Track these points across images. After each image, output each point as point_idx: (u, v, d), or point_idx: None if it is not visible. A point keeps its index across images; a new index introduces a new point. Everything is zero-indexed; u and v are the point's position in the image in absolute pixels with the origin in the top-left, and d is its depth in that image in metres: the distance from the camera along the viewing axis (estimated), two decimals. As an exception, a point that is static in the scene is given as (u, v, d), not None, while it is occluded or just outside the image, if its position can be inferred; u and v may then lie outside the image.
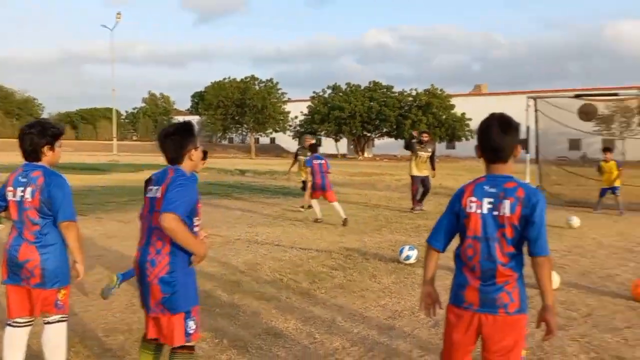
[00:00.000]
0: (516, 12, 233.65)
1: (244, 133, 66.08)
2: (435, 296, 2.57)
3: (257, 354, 3.91)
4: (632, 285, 5.45)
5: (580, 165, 36.88)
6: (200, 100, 66.70)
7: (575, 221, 9.90)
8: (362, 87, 54.03)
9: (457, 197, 2.49)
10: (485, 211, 2.37)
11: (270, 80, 58.51)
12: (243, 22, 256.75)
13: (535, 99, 14.11)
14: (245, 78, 57.59)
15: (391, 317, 4.80)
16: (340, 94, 53.56)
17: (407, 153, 12.53)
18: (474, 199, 2.40)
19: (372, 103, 51.27)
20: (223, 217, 10.64)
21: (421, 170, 11.97)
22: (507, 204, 2.32)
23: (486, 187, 2.40)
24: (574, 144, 46.08)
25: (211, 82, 60.47)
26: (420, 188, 11.97)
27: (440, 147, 57.16)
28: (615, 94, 16.00)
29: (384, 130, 52.96)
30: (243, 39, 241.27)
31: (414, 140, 12.21)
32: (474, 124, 48.47)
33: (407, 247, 6.83)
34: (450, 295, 2.53)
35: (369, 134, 54.60)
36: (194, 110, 75.67)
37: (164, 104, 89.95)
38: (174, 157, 2.90)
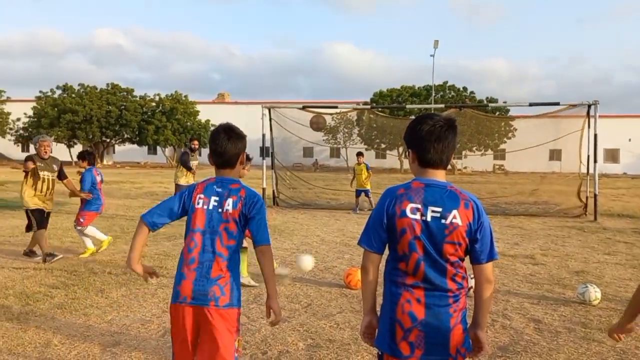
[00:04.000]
0: (248, 28, 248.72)
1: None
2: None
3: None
4: (345, 275, 6.19)
5: (312, 170, 41.35)
6: None
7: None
8: (99, 89, 49.94)
9: (189, 192, 2.67)
10: (211, 207, 2.59)
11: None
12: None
13: (269, 108, 15.07)
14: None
15: (118, 332, 4.47)
16: (73, 95, 48.47)
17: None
18: (202, 196, 2.62)
19: (110, 107, 47.78)
20: None
21: (189, 179, 11.60)
22: (230, 202, 2.58)
23: (215, 187, 2.64)
24: (308, 152, 50.91)
25: None
26: None
27: (186, 154, 56.89)
28: (335, 107, 18.17)
29: (126, 136, 49.95)
30: None
31: (186, 150, 11.88)
32: (219, 132, 49.88)
33: None
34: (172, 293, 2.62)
35: (108, 140, 50.84)
36: None
37: None
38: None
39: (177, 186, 11.61)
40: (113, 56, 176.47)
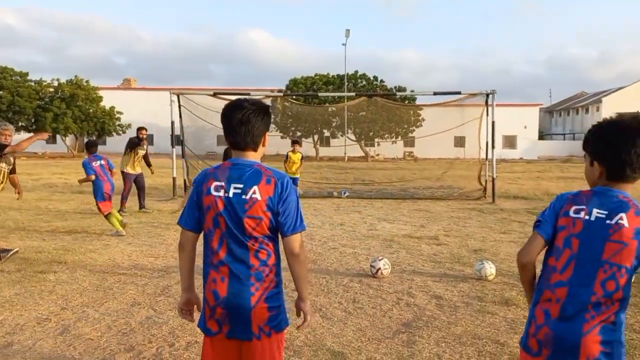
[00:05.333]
0: (159, 10, 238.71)
1: None
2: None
3: None
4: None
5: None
6: None
7: None
8: (-12, 73, 45.57)
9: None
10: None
11: None
12: None
13: (178, 95, 14.58)
14: None
15: (10, 332, 4.16)
16: (-43, 78, 43.98)
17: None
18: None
19: (1, 92, 43.88)
20: None
21: (136, 167, 11.29)
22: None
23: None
24: (222, 140, 49.73)
25: None
26: (133, 186, 11.24)
27: (90, 143, 53.55)
28: (248, 94, 17.91)
29: (20, 124, 46.12)
30: None
31: (133, 139, 11.31)
32: (125, 118, 47.50)
33: None
34: None
35: (1, 128, 46.76)
36: None
37: None
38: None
39: (124, 174, 11.22)
40: (3, 38, 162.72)
